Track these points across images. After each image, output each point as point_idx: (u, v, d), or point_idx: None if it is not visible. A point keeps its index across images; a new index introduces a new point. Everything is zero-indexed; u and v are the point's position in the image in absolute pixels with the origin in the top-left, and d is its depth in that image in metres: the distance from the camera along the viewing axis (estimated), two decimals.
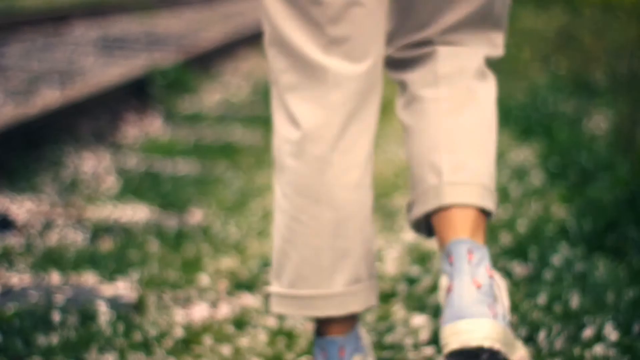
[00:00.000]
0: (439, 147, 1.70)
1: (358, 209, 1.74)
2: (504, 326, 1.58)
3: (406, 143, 1.77)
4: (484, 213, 1.69)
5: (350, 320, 1.77)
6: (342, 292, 1.73)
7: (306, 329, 2.24)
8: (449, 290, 1.60)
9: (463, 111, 1.73)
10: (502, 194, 3.35)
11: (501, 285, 1.66)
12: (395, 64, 1.78)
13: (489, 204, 1.69)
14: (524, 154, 4.02)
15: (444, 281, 1.64)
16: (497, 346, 1.54)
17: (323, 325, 1.77)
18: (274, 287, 1.80)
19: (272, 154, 1.83)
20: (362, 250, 1.75)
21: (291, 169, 1.80)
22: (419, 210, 1.70)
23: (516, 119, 4.84)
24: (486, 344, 1.53)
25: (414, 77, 1.75)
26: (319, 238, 1.74)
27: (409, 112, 1.75)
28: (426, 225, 1.74)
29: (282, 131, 1.80)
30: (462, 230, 1.64)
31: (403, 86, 1.78)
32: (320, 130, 1.70)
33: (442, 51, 1.74)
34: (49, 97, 4.34)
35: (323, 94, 1.68)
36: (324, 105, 1.69)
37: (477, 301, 1.57)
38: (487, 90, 1.80)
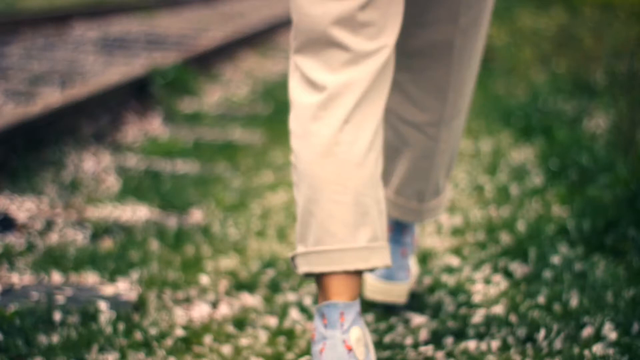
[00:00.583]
0: None
1: (374, 174, 1.84)
2: None
3: None
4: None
5: (354, 288, 1.82)
6: (365, 246, 1.82)
7: (306, 329, 2.25)
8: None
9: None
10: (502, 194, 3.36)
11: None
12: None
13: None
14: (524, 154, 4.02)
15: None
16: None
17: (329, 288, 1.81)
18: (300, 249, 1.85)
19: (289, 126, 1.92)
20: (378, 210, 1.85)
21: (313, 132, 1.84)
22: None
23: (516, 119, 4.84)
24: None
25: None
26: (344, 195, 1.81)
27: None
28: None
29: (303, 99, 1.86)
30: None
31: None
32: (342, 93, 1.81)
33: None
34: (50, 97, 4.35)
35: (345, 68, 1.81)
36: (345, 76, 1.81)
37: None
38: None
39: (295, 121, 1.90)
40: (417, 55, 2.09)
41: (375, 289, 2.29)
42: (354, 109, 1.81)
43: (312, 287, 2.52)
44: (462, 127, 2.24)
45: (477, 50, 2.16)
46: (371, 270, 1.83)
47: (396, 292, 2.27)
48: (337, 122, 1.82)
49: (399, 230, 2.27)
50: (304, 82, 1.86)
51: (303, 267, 1.84)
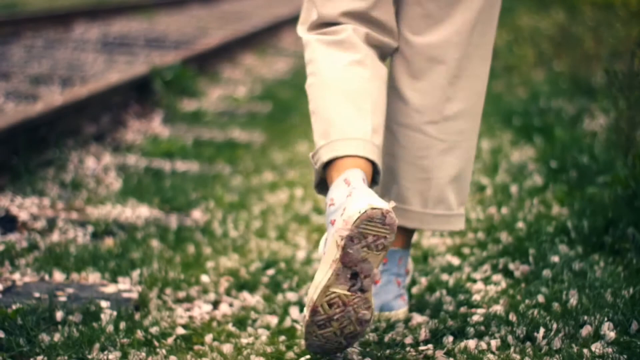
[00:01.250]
0: None
1: (380, 93, 2.14)
2: None
3: None
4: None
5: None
6: (379, 145, 2.09)
7: None
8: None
9: None
10: (503, 194, 3.37)
11: None
12: None
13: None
14: (524, 154, 4.03)
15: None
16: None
17: (344, 164, 2.04)
18: (323, 142, 2.08)
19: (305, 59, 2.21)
20: (380, 112, 2.12)
21: (335, 56, 2.15)
22: None
23: (516, 118, 4.85)
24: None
25: None
26: (366, 103, 2.10)
27: None
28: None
29: (315, 37, 2.18)
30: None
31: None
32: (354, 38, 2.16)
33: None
34: (51, 98, 4.35)
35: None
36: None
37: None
38: None
39: (310, 51, 2.18)
40: (416, 55, 2.21)
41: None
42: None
43: None
44: (473, 129, 2.26)
45: (485, 52, 2.25)
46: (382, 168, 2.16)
47: (398, 318, 2.32)
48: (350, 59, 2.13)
49: (393, 259, 2.30)
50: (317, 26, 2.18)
51: (325, 156, 2.06)
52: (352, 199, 1.93)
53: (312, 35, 2.19)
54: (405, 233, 2.30)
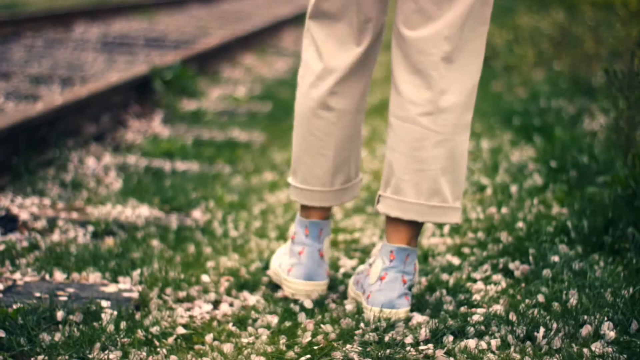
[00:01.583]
0: None
1: (355, 132, 2.45)
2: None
3: None
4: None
5: (328, 212, 2.52)
6: (339, 189, 2.48)
7: (307, 328, 2.26)
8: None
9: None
10: (502, 194, 3.37)
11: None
12: None
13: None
14: (524, 154, 4.03)
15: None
16: None
17: (310, 212, 2.50)
18: (292, 181, 2.51)
19: (297, 81, 2.46)
20: (355, 158, 2.49)
21: (310, 95, 2.41)
22: None
23: (516, 118, 4.85)
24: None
25: None
26: (328, 150, 2.43)
27: None
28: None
29: (310, 64, 2.42)
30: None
31: None
32: (335, 66, 2.39)
33: None
34: (51, 98, 4.35)
35: (343, 49, 2.39)
36: (343, 55, 2.40)
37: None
38: None
39: (301, 79, 2.44)
40: (411, 49, 2.31)
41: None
42: (339, 83, 2.39)
43: None
44: (466, 121, 2.32)
45: (476, 47, 2.30)
46: (342, 204, 2.63)
47: (399, 317, 2.35)
48: (327, 91, 2.39)
49: (401, 257, 2.35)
50: (314, 53, 2.41)
51: (293, 196, 2.51)
52: (297, 264, 2.48)
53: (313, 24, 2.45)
54: (409, 229, 2.35)
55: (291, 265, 2.49)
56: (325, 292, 2.50)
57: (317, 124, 2.41)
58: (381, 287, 2.34)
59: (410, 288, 2.37)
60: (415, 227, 2.36)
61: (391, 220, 2.35)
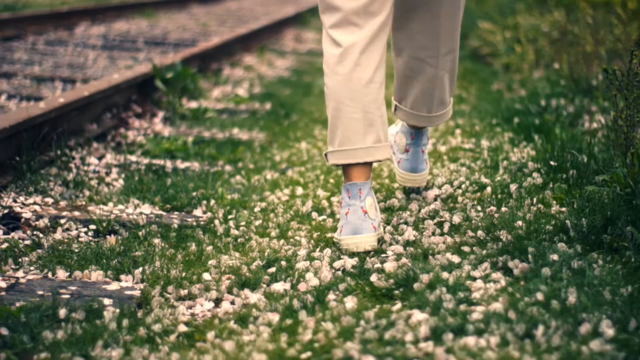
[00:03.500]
0: None
1: (377, 97, 2.91)
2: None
3: None
4: None
5: (367, 173, 2.92)
6: (371, 146, 2.90)
7: (306, 325, 2.27)
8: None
9: None
10: (502, 192, 3.38)
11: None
12: None
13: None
14: (524, 153, 4.04)
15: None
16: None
17: (351, 174, 2.91)
18: (330, 149, 2.95)
19: (322, 66, 2.96)
20: (381, 122, 2.92)
21: (336, 71, 2.88)
22: None
23: (516, 117, 4.86)
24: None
25: None
26: (356, 114, 2.88)
27: None
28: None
29: (330, 50, 2.90)
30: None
31: None
32: (352, 47, 2.87)
33: None
34: (53, 97, 4.37)
35: (356, 31, 2.87)
36: (355, 37, 2.87)
37: None
38: None
39: (325, 65, 2.92)
40: (417, 11, 3.09)
41: (405, 178, 3.40)
42: (360, 57, 2.86)
43: (311, 285, 2.55)
44: (455, 60, 3.19)
45: (461, 3, 3.10)
46: (378, 161, 2.92)
47: (419, 180, 3.40)
48: (351, 65, 2.86)
49: (418, 136, 3.36)
50: (330, 40, 2.89)
51: (332, 161, 2.93)
52: (345, 223, 2.86)
53: (333, 31, 2.93)
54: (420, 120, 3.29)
55: (341, 227, 2.88)
56: (374, 245, 2.85)
57: (347, 93, 2.87)
58: (408, 157, 3.36)
59: (427, 153, 3.38)
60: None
61: None
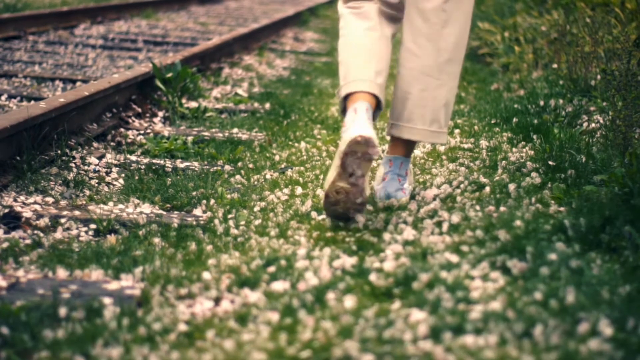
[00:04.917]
0: None
1: (384, 47, 3.22)
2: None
3: None
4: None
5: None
6: (380, 84, 3.15)
7: (306, 323, 2.28)
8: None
9: None
10: (501, 192, 3.39)
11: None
12: None
13: None
14: (522, 153, 4.05)
15: None
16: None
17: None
18: (342, 81, 3.16)
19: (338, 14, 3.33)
20: (384, 65, 3.18)
21: (356, 25, 3.23)
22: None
23: (515, 117, 4.87)
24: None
25: None
26: (363, 53, 3.18)
27: None
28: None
29: (350, 21, 3.24)
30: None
31: None
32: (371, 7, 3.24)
33: None
34: (53, 97, 4.38)
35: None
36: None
37: None
38: None
39: (343, 20, 3.27)
40: (418, 19, 3.24)
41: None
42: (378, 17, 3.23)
43: (311, 285, 2.56)
44: (456, 73, 3.24)
45: (465, 14, 3.19)
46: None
47: (399, 204, 3.29)
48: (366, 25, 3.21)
49: (397, 164, 3.32)
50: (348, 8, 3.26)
51: (345, 91, 3.13)
52: (351, 127, 2.94)
53: (345, 8, 3.29)
54: (407, 145, 3.33)
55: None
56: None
57: (364, 41, 3.20)
58: (384, 185, 3.30)
59: (404, 185, 3.29)
60: (412, 145, 3.34)
61: (393, 139, 3.32)
